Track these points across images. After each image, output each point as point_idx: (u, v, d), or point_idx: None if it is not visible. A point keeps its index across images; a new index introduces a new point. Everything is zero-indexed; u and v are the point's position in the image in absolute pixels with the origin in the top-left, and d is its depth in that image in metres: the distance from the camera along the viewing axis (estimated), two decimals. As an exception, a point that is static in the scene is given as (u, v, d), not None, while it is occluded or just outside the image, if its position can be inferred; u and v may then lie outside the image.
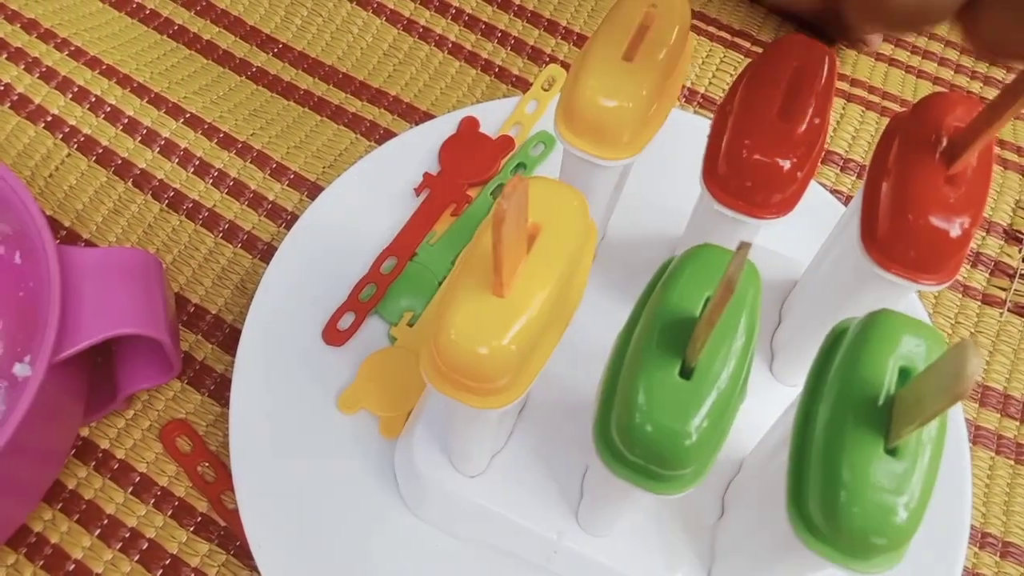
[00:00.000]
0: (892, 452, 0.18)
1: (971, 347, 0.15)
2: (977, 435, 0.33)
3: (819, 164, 0.24)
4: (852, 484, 0.17)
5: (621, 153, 0.24)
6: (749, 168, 0.23)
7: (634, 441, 0.18)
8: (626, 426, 0.18)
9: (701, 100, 0.40)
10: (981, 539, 0.31)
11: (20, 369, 0.26)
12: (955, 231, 0.22)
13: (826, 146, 0.39)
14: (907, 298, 0.26)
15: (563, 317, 0.21)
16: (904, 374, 0.19)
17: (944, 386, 0.16)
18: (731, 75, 0.41)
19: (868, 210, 0.23)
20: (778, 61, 0.24)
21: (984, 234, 0.38)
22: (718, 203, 0.24)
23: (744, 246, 0.16)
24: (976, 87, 0.43)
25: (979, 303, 0.36)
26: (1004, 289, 0.37)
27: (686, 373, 0.18)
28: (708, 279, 0.19)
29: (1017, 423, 0.34)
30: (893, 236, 0.22)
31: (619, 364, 0.20)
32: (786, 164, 0.23)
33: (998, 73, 0.44)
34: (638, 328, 0.19)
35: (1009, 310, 0.36)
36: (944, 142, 0.22)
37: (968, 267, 0.37)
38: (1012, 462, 0.33)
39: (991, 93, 0.43)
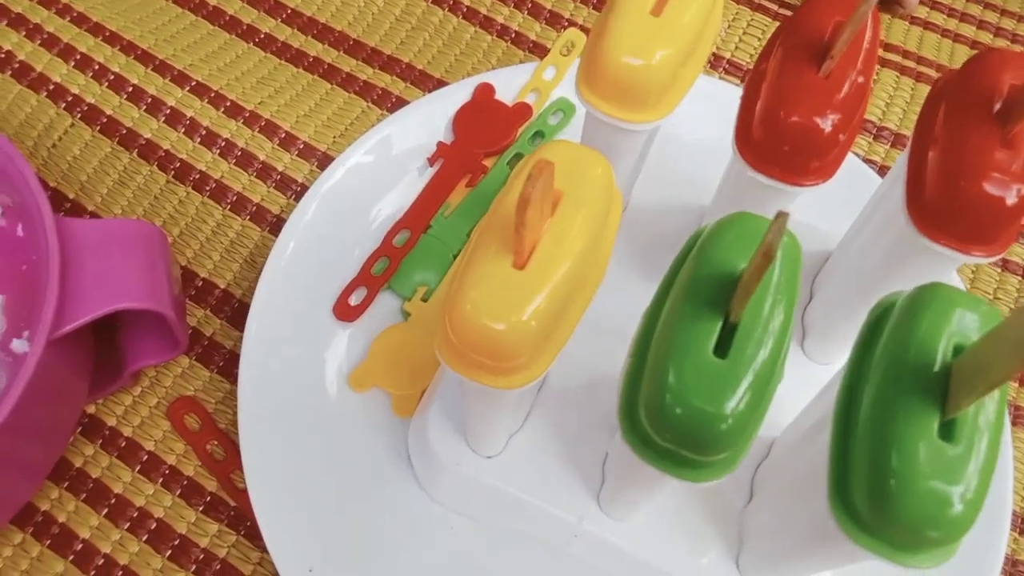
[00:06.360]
0: (947, 437, 0.16)
1: None
2: (1017, 416, 0.32)
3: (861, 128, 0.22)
4: (903, 471, 0.16)
5: (648, 116, 0.22)
6: (787, 131, 0.21)
7: (664, 425, 0.17)
8: (655, 408, 0.17)
9: (727, 66, 0.38)
10: (1023, 524, 0.30)
11: (18, 345, 0.25)
12: (1011, 198, 0.20)
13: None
14: (952, 271, 0.24)
15: (586, 291, 0.20)
16: (958, 352, 0.17)
17: (1012, 349, 0.14)
18: (759, 39, 0.39)
19: (914, 178, 0.22)
20: (818, 16, 0.22)
21: (1026, 206, 0.36)
22: (752, 170, 0.22)
23: (782, 214, 0.15)
24: (1017, 51, 0.41)
25: (1020, 278, 0.34)
26: (1047, 263, 0.35)
27: (721, 351, 0.17)
28: (744, 249, 0.18)
29: (1059, 404, 0.32)
30: (943, 205, 0.21)
31: (647, 341, 0.18)
32: (827, 126, 0.21)
33: (1042, 36, 0.41)
34: (668, 303, 0.18)
35: (1052, 285, 0.34)
36: (998, 103, 0.21)
37: (1009, 240, 0.35)
38: (1054, 444, 0.31)
39: (1034, 57, 0.41)
